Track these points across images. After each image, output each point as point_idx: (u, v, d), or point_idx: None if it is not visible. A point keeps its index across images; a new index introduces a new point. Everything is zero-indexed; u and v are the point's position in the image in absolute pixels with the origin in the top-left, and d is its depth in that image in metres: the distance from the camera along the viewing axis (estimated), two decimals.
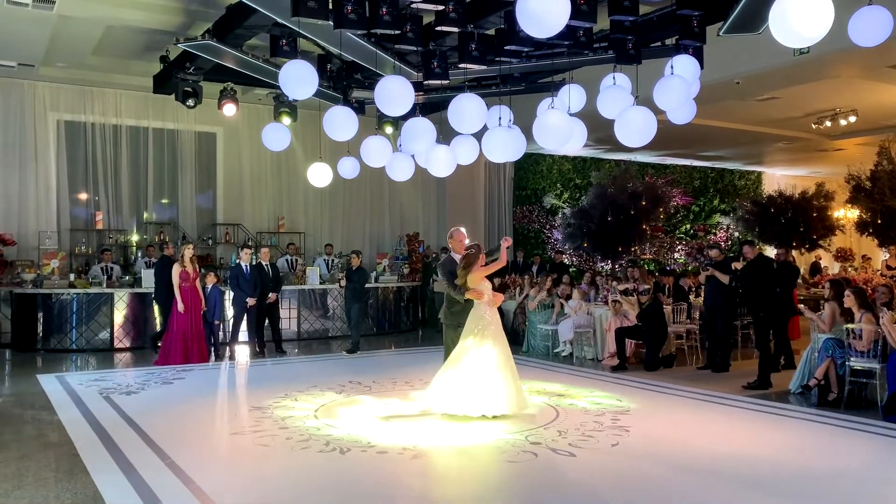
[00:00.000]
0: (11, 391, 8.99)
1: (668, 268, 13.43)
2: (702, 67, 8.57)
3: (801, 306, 8.83)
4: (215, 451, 6.05)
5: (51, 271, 12.36)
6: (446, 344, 7.57)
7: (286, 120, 12.64)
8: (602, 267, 17.94)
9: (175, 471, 5.40)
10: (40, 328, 11.86)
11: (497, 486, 5.33)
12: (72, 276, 12.45)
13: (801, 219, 16.50)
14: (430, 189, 17.43)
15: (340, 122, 8.06)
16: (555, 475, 5.41)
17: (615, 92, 8.00)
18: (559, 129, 7.70)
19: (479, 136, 8.20)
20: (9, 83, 13.40)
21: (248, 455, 5.90)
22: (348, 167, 9.84)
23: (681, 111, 7.96)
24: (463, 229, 8.14)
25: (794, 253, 17.02)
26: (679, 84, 7.50)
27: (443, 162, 8.85)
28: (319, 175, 9.65)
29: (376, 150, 8.79)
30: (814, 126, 14.90)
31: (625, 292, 10.67)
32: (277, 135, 9.29)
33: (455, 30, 8.03)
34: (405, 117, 8.44)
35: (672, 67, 7.68)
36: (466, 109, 7.57)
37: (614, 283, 11.80)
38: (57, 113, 13.95)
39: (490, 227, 18.42)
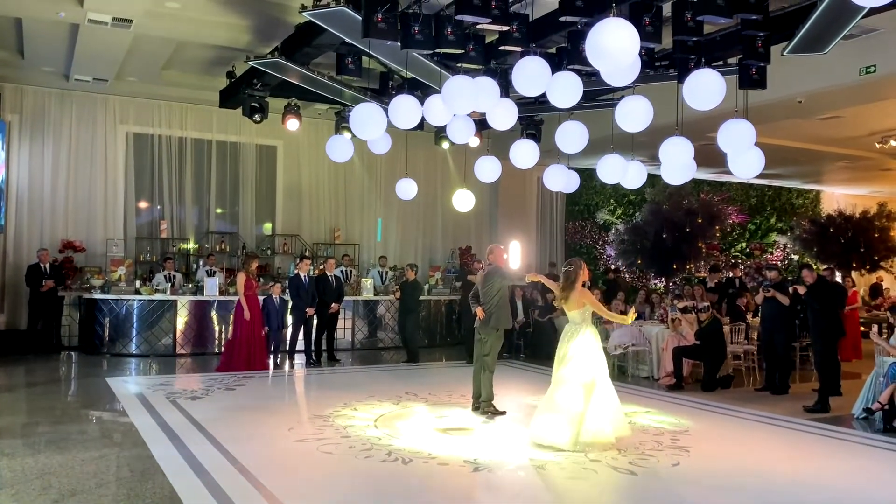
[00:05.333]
0: (85, 394, 9.37)
1: (702, 282, 13.18)
2: (765, 87, 8.55)
3: (872, 330, 8.61)
4: (282, 457, 6.22)
5: (118, 278, 12.80)
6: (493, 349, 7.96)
7: (347, 134, 12.89)
8: (655, 284, 17.77)
9: (245, 475, 5.60)
10: (106, 333, 12.28)
11: (557, 502, 5.39)
12: (137, 283, 12.85)
13: (861, 239, 16.15)
14: (483, 203, 17.50)
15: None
16: (616, 493, 5.44)
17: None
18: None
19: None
20: (83, 97, 13.96)
21: (314, 462, 6.06)
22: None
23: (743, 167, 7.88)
24: (501, 247, 8.61)
25: (854, 274, 16.66)
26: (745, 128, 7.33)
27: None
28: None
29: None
30: (878, 146, 14.55)
31: (684, 310, 10.59)
32: (341, 146, 9.57)
33: (518, 49, 8.14)
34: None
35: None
36: (530, 71, 7.11)
37: (675, 301, 11.68)
38: (126, 125, 14.46)
39: (542, 242, 18.43)
